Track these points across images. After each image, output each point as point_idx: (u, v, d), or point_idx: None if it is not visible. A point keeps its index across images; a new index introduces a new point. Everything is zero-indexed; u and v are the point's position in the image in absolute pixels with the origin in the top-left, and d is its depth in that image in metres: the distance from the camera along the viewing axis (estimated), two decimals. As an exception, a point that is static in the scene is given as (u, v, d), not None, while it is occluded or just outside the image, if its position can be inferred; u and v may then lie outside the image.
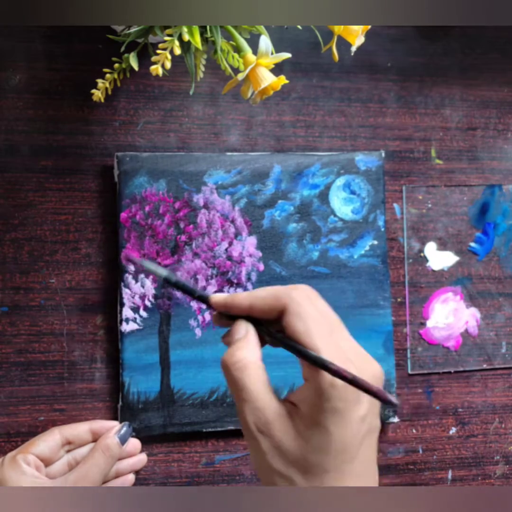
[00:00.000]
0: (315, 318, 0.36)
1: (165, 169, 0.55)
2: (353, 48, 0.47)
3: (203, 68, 0.49)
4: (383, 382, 0.37)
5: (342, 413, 0.35)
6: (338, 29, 0.45)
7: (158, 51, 0.41)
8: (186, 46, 0.43)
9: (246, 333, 0.38)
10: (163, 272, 0.42)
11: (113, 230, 0.55)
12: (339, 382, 0.34)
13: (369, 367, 0.36)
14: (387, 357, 0.57)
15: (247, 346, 0.37)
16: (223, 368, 0.37)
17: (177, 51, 0.40)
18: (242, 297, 0.38)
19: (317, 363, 0.35)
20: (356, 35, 0.46)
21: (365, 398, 0.35)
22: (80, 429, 0.52)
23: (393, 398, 0.34)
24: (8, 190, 0.55)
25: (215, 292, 0.55)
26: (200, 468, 0.56)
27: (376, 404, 0.36)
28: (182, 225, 0.55)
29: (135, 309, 0.54)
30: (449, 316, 0.60)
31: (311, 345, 0.35)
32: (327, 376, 0.34)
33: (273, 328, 0.38)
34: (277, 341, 0.37)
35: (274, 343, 0.38)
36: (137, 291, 0.54)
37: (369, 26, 0.46)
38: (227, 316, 0.39)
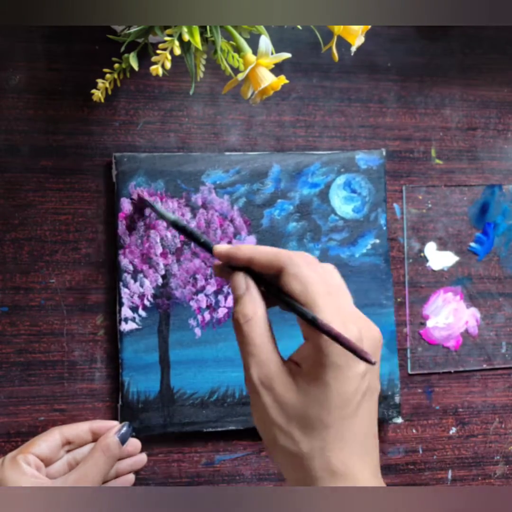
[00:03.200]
0: (313, 279, 0.37)
1: (163, 169, 0.55)
2: (353, 48, 0.47)
3: (203, 68, 0.49)
4: (381, 346, 0.38)
5: (342, 368, 0.36)
6: (338, 29, 0.45)
7: (158, 51, 0.41)
8: (186, 46, 0.43)
9: (246, 287, 0.39)
10: (171, 216, 0.43)
11: (113, 230, 0.55)
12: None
13: (369, 329, 0.38)
14: (391, 357, 0.57)
15: (251, 300, 0.38)
16: (233, 323, 0.38)
17: (177, 51, 0.40)
18: (244, 248, 0.39)
19: (306, 318, 0.36)
20: (356, 35, 0.46)
21: None
22: (80, 429, 0.52)
23: (370, 356, 0.35)
24: (8, 190, 0.55)
25: (215, 291, 0.55)
26: (200, 468, 0.56)
27: (376, 363, 0.37)
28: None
29: (134, 309, 0.54)
30: (449, 316, 0.60)
31: (309, 303, 0.36)
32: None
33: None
34: (275, 297, 0.38)
35: (271, 301, 0.39)
36: (136, 290, 0.54)
37: (369, 26, 0.46)
38: (230, 268, 0.40)
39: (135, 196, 0.54)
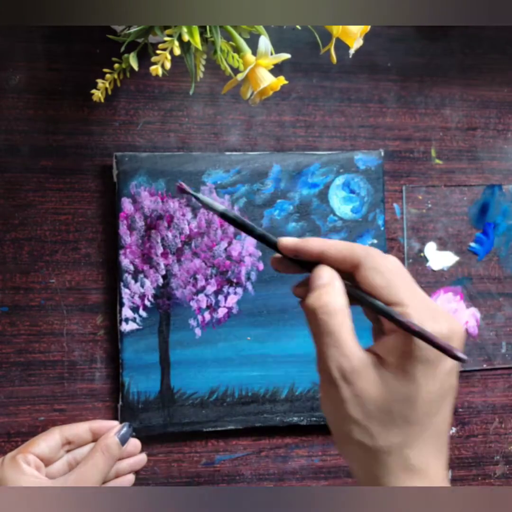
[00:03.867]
0: (394, 272, 0.36)
1: (164, 169, 0.55)
2: (351, 51, 0.47)
3: (203, 68, 0.49)
4: (463, 338, 0.37)
5: (432, 363, 0.34)
6: (336, 31, 0.45)
7: (158, 52, 0.41)
8: (186, 46, 0.43)
9: (331, 279, 0.37)
10: (219, 207, 0.41)
11: (113, 230, 0.55)
12: (429, 331, 0.34)
13: (455, 325, 0.36)
14: None
15: (334, 291, 0.36)
16: (308, 311, 0.36)
17: (177, 51, 0.40)
18: (314, 241, 0.38)
19: (388, 316, 0.35)
20: (355, 38, 0.46)
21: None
22: (80, 429, 0.52)
23: (461, 354, 0.34)
24: (8, 190, 0.55)
25: (215, 291, 0.55)
26: (200, 468, 0.56)
27: (458, 362, 0.35)
28: (181, 224, 0.55)
29: (135, 309, 0.54)
30: (449, 316, 0.60)
31: (394, 299, 0.35)
32: (418, 326, 0.34)
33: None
34: (352, 292, 0.37)
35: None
36: (137, 291, 0.54)
37: (367, 29, 0.46)
38: (291, 261, 0.39)
39: (178, 191, 0.52)
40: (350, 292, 0.37)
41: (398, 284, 0.36)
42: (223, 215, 0.42)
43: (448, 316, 0.36)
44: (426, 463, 0.36)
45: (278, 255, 0.40)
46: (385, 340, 0.36)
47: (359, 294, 0.37)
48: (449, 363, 0.35)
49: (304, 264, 0.39)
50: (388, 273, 0.36)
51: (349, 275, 0.37)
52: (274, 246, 0.39)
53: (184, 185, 0.48)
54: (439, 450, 0.36)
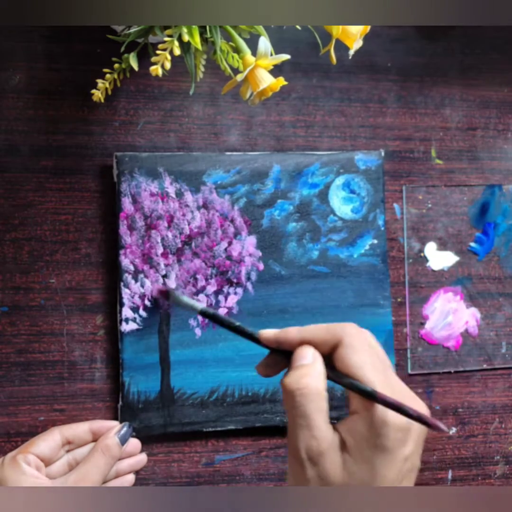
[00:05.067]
0: (369, 353, 0.37)
1: (164, 169, 0.55)
2: (351, 52, 0.47)
3: (203, 68, 0.49)
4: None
5: (390, 451, 0.35)
6: (336, 32, 0.45)
7: (158, 52, 0.41)
8: (186, 46, 0.43)
9: (313, 360, 0.38)
10: (198, 305, 0.42)
11: (113, 230, 0.55)
12: (390, 419, 0.35)
13: (418, 405, 0.37)
14: (388, 357, 0.57)
15: (314, 374, 0.37)
16: (286, 391, 0.37)
17: (177, 51, 0.40)
18: (293, 331, 0.39)
19: (370, 396, 0.35)
20: (354, 39, 0.46)
21: (411, 438, 0.36)
22: (80, 429, 0.52)
23: (443, 426, 0.35)
24: (8, 190, 0.55)
25: (215, 292, 0.55)
26: (200, 468, 0.56)
27: (420, 444, 0.37)
28: (181, 225, 0.55)
29: (135, 309, 0.54)
30: (449, 316, 0.60)
31: (365, 379, 0.36)
32: (379, 412, 0.35)
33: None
34: (330, 374, 0.38)
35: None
36: (137, 291, 0.54)
37: (367, 30, 0.46)
38: (277, 352, 0.39)
39: (156, 294, 0.53)
40: (331, 376, 0.38)
41: (370, 364, 0.37)
42: (203, 313, 0.42)
43: (415, 399, 0.37)
44: None
45: (261, 364, 0.41)
46: (348, 421, 0.37)
47: (335, 374, 0.37)
48: (408, 449, 0.36)
49: (287, 353, 0.39)
50: (362, 352, 0.37)
51: (329, 355, 0.38)
52: (255, 338, 0.40)
53: (162, 288, 0.49)
54: None
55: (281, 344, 0.39)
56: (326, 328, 0.38)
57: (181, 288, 0.55)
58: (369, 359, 0.37)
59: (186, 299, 0.44)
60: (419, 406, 0.37)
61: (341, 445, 0.36)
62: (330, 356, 0.38)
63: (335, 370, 0.37)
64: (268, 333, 0.39)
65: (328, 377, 0.38)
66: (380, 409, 0.35)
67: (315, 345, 0.38)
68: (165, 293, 0.47)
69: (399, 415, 0.35)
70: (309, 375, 0.37)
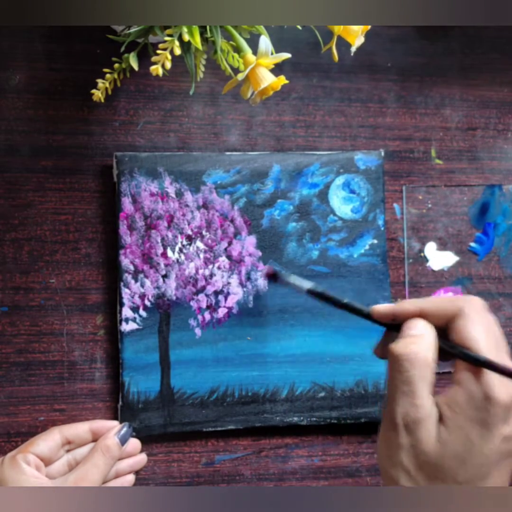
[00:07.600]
0: (488, 330, 0.37)
1: (164, 169, 0.55)
2: (353, 49, 0.47)
3: (203, 68, 0.49)
4: None
5: (488, 427, 0.35)
6: (337, 29, 0.45)
7: (158, 51, 0.41)
8: (186, 46, 0.43)
9: (424, 331, 0.37)
10: (306, 285, 0.41)
11: (113, 230, 0.55)
12: (495, 395, 0.34)
13: None
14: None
15: (423, 343, 0.37)
16: (393, 355, 0.36)
17: (177, 51, 0.40)
18: (410, 302, 0.38)
19: (484, 365, 0.35)
20: (356, 36, 0.46)
21: None
22: (80, 429, 0.52)
23: None
24: (8, 190, 0.55)
25: (215, 292, 0.55)
26: (200, 468, 0.56)
27: None
28: (181, 224, 0.55)
29: (135, 309, 0.54)
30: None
31: (480, 352, 0.36)
32: (485, 386, 0.35)
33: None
34: (444, 345, 0.37)
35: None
36: (137, 291, 0.54)
37: (369, 26, 0.46)
38: (392, 329, 0.39)
39: (265, 276, 0.53)
40: (442, 345, 0.37)
41: (486, 340, 0.36)
42: (311, 292, 0.41)
43: None
44: None
45: (378, 345, 0.40)
46: (449, 392, 0.36)
47: (447, 344, 0.37)
48: (509, 429, 0.35)
49: (396, 327, 0.38)
50: (482, 326, 0.37)
51: (443, 327, 0.38)
52: (365, 315, 0.39)
53: (272, 268, 0.48)
54: None
55: (397, 317, 0.38)
56: (449, 299, 0.38)
57: (181, 288, 0.55)
58: (486, 336, 0.36)
59: (294, 278, 0.43)
60: None
61: (439, 417, 0.36)
62: (444, 329, 0.37)
63: (447, 341, 0.37)
64: (382, 307, 0.39)
65: (440, 347, 0.37)
66: (486, 383, 0.35)
67: (433, 316, 0.37)
68: (273, 275, 0.46)
69: (508, 392, 0.34)
70: (418, 343, 0.36)
